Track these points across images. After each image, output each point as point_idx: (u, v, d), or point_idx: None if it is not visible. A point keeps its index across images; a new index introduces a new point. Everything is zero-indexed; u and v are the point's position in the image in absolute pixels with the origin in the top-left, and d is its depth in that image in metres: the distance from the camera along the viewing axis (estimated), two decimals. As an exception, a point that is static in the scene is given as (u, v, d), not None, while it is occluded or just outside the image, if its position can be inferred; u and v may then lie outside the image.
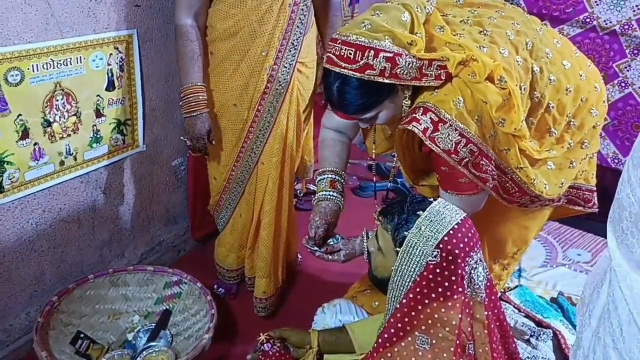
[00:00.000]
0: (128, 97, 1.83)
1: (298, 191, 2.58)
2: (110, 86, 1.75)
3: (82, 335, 1.65)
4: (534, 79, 1.32)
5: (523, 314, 1.79)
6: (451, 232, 1.06)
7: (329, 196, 1.51)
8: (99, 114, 1.75)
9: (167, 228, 2.22)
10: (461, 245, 1.05)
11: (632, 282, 0.70)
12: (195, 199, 2.17)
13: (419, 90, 1.29)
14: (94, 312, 1.78)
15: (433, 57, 1.22)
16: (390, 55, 1.19)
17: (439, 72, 1.24)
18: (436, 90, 1.26)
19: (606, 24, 2.38)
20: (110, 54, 1.72)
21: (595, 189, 1.60)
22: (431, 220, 1.08)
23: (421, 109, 1.25)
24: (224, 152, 1.83)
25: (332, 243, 1.49)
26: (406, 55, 1.20)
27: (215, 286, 2.04)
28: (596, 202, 1.61)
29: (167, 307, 1.83)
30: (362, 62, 1.19)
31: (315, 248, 1.48)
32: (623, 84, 2.43)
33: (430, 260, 1.05)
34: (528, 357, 1.57)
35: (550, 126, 1.38)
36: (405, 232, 1.11)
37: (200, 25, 1.68)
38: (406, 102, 1.29)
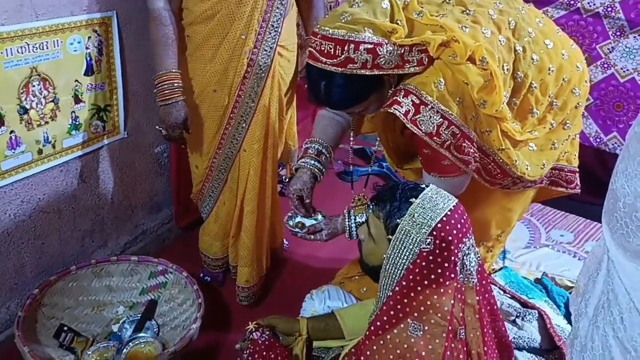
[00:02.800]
0: (108, 82, 1.78)
1: (283, 177, 2.56)
2: (89, 71, 1.70)
3: (65, 328, 1.63)
4: (516, 58, 1.32)
5: (508, 295, 1.81)
6: (444, 218, 1.05)
7: (308, 165, 1.51)
8: (77, 99, 1.70)
9: (151, 216, 2.18)
10: (454, 232, 1.05)
11: (631, 271, 0.70)
12: (178, 187, 2.14)
13: (402, 77, 1.28)
14: (77, 304, 1.75)
15: (413, 42, 1.21)
16: (371, 46, 1.18)
17: (421, 56, 1.23)
18: (418, 75, 1.25)
19: (590, 6, 2.39)
20: (89, 37, 1.66)
21: (577, 170, 1.61)
22: (424, 207, 1.07)
23: (402, 91, 1.24)
24: (205, 140, 1.79)
25: (314, 223, 1.49)
26: (387, 44, 1.19)
27: (201, 275, 2.02)
28: (579, 183, 1.62)
29: (153, 297, 1.80)
30: (343, 56, 1.18)
31: (297, 230, 1.48)
32: (605, 65, 2.46)
33: (423, 248, 1.05)
34: (514, 338, 1.59)
35: (532, 107, 1.38)
36: (397, 220, 1.10)
37: (174, 9, 1.62)
38: (390, 92, 1.28)
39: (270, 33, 1.65)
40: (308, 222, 1.50)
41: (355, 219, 1.44)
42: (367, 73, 1.19)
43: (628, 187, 0.68)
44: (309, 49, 1.24)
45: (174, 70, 1.61)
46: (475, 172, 1.32)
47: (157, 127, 1.70)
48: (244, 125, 1.74)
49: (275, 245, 2.11)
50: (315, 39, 1.22)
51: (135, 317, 1.73)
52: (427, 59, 1.23)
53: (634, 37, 2.34)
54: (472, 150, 1.28)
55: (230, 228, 1.90)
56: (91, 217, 1.90)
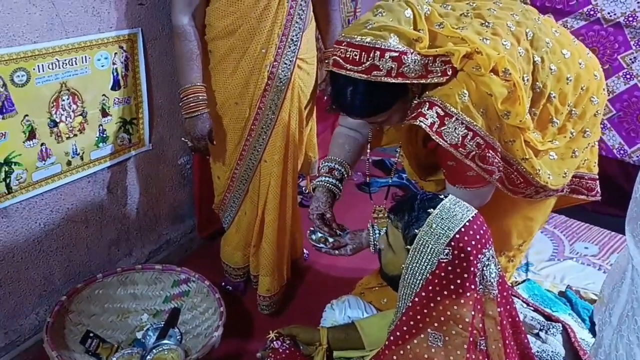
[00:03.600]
0: (133, 97, 1.83)
1: (303, 188, 2.57)
2: (116, 85, 1.75)
3: (91, 335, 1.66)
4: (535, 69, 1.32)
5: (532, 308, 1.78)
6: (463, 229, 1.05)
7: (323, 182, 1.52)
8: (105, 113, 1.75)
9: (174, 226, 2.22)
10: (473, 243, 1.05)
11: None
12: (201, 197, 2.18)
13: (425, 88, 1.29)
14: (103, 311, 1.78)
15: (438, 53, 1.22)
16: (396, 54, 1.18)
17: (444, 67, 1.24)
18: (442, 86, 1.25)
19: (610, 16, 2.37)
20: (115, 53, 1.71)
21: (597, 177, 1.60)
22: (442, 218, 1.07)
23: (427, 103, 1.24)
24: (226, 151, 1.83)
25: (338, 238, 1.48)
26: (411, 53, 1.20)
27: (223, 284, 2.05)
28: (599, 190, 1.60)
29: (176, 305, 1.83)
30: (368, 63, 1.19)
31: (321, 245, 1.48)
32: (628, 76, 2.42)
33: (442, 259, 1.05)
34: (537, 351, 1.57)
35: (552, 116, 1.37)
36: (416, 230, 1.10)
37: (198, 24, 1.66)
38: (415, 102, 1.29)
39: (290, 47, 1.69)
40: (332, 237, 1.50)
41: (379, 233, 1.44)
42: (391, 81, 1.20)
43: None
44: (333, 57, 1.25)
45: (198, 84, 1.65)
46: (498, 182, 1.32)
47: (182, 139, 1.74)
48: (264, 136, 1.77)
49: (296, 255, 2.13)
50: (340, 47, 1.23)
51: (158, 324, 1.75)
52: (450, 70, 1.24)
53: (657, 46, 2.31)
54: (496, 161, 1.28)
55: (251, 238, 1.92)
56: (117, 227, 1.95)
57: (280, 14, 1.64)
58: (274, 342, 1.38)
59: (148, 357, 1.61)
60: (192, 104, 1.65)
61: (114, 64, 1.72)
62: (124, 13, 1.70)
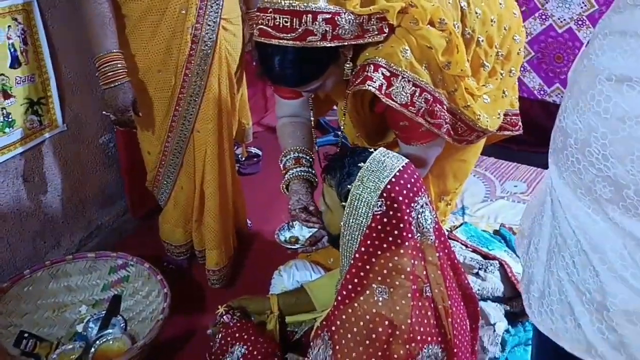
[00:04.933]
0: (38, 74, 1.67)
1: (239, 156, 2.51)
2: (15, 63, 1.58)
3: (26, 335, 1.55)
4: (463, 15, 1.32)
5: (470, 249, 1.87)
6: (393, 179, 1.06)
7: (296, 174, 1.42)
8: (6, 94, 1.58)
9: (104, 210, 2.09)
10: (404, 192, 1.06)
11: (578, 211, 0.71)
12: (130, 176, 2.06)
13: (359, 49, 1.25)
14: (36, 308, 1.67)
15: (372, 11, 1.17)
16: (329, 16, 1.12)
17: (380, 24, 1.20)
18: (380, 45, 1.22)
19: (524, -43, 2.42)
20: (9, 26, 1.54)
21: (519, 112, 1.64)
22: (372, 170, 1.08)
23: (371, 65, 1.20)
24: (155, 123, 1.72)
25: (313, 232, 1.38)
26: (345, 13, 1.14)
27: (165, 264, 1.97)
28: (521, 124, 1.65)
29: (116, 293, 1.75)
30: (302, 29, 1.12)
31: (297, 246, 1.39)
32: (543, 17, 2.51)
33: (376, 211, 1.05)
34: (478, 290, 1.65)
35: (482, 60, 1.39)
36: (348, 186, 1.10)
37: None
38: (348, 65, 1.24)
39: (212, 6, 1.58)
40: (304, 232, 1.40)
41: None
42: (327, 45, 1.14)
43: (580, 123, 0.68)
44: (259, 26, 1.16)
45: (115, 51, 1.51)
46: (446, 134, 1.32)
47: (104, 112, 1.61)
48: (194, 105, 1.67)
49: (240, 225, 2.08)
50: (266, 14, 1.14)
51: (99, 315, 1.67)
52: (387, 27, 1.20)
53: (568, -15, 2.39)
54: (443, 114, 1.28)
55: (191, 213, 1.85)
56: (39, 218, 1.81)
57: None
58: (224, 317, 1.36)
59: (92, 349, 1.54)
60: (110, 74, 1.51)
61: (8, 38, 1.54)
62: (13, -21, 1.52)
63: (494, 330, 1.55)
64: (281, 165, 1.47)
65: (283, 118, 1.54)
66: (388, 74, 1.19)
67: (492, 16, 1.38)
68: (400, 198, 1.05)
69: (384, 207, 1.05)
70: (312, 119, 1.51)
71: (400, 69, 1.20)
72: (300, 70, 1.20)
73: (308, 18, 1.11)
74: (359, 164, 1.10)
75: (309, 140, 1.50)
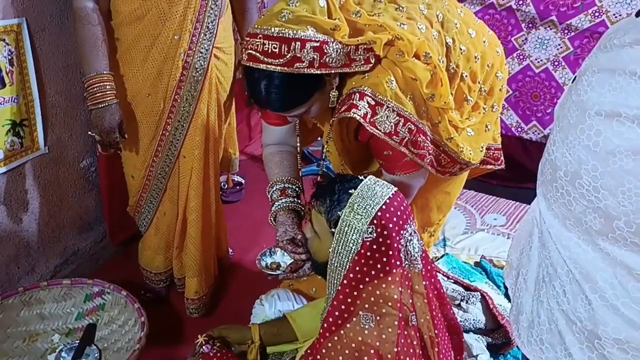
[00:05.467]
0: (22, 95, 1.65)
1: (222, 184, 2.50)
2: (0, 83, 1.56)
3: (-6, 365, 1.48)
4: (448, 50, 1.36)
5: (452, 281, 1.87)
6: (384, 207, 1.07)
7: (282, 205, 1.42)
8: (-12, 115, 1.56)
9: (82, 236, 2.04)
10: (395, 219, 1.07)
11: (568, 242, 0.73)
12: (110, 201, 2.02)
13: (345, 77, 1.28)
14: (6, 337, 1.60)
15: (359, 42, 1.21)
16: (317, 44, 1.15)
17: (367, 55, 1.23)
18: (366, 74, 1.25)
19: (503, 0, 2.54)
20: (-4, 47, 1.52)
21: (501, 146, 1.68)
22: (363, 197, 1.08)
23: (357, 94, 1.23)
24: (140, 147, 1.71)
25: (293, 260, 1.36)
26: (332, 42, 1.17)
27: (143, 292, 1.92)
28: (503, 159, 1.69)
29: (91, 321, 1.69)
30: (290, 55, 1.14)
31: (278, 272, 1.36)
32: (521, 57, 2.61)
33: (366, 238, 1.06)
34: (461, 321, 1.65)
35: (466, 95, 1.43)
36: (338, 212, 1.10)
37: (102, 8, 1.53)
38: (334, 92, 1.27)
39: (205, 35, 1.60)
40: (286, 259, 1.37)
41: None
42: (314, 72, 1.17)
43: (570, 156, 0.70)
44: (248, 51, 1.18)
45: (105, 72, 1.52)
46: (429, 165, 1.34)
47: (90, 132, 1.60)
48: (181, 130, 1.67)
49: (221, 254, 2.05)
50: (255, 39, 1.16)
51: (73, 344, 1.61)
52: (373, 58, 1.24)
53: (544, 28, 2.51)
54: (427, 144, 1.30)
55: (172, 239, 1.83)
56: (14, 242, 1.75)
57: None
58: (204, 347, 1.32)
59: (64, 380, 1.47)
60: (98, 94, 1.51)
61: (-5, 59, 1.53)
62: (4, 1, 1.51)
63: (477, 363, 1.54)
64: (268, 196, 1.47)
65: (270, 146, 1.55)
66: (373, 102, 1.22)
67: (476, 53, 1.43)
68: (391, 225, 1.06)
69: (374, 234, 1.05)
70: (298, 147, 1.52)
71: (385, 99, 1.22)
72: (286, 96, 1.22)
73: (297, 45, 1.13)
74: (350, 191, 1.11)
75: (295, 169, 1.51)
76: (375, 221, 1.06)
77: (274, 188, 1.46)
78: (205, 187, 1.76)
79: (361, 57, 1.22)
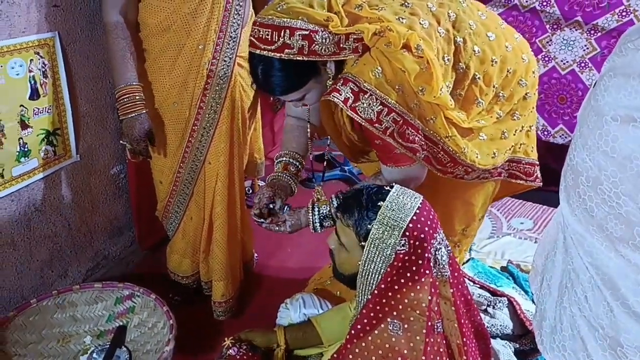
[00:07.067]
0: (55, 105, 1.71)
1: (248, 188, 2.53)
2: (35, 94, 1.62)
3: (30, 366, 1.53)
4: (457, 50, 1.36)
5: (478, 286, 1.86)
6: (414, 217, 1.07)
7: (278, 177, 1.54)
8: (24, 125, 1.61)
9: (112, 240, 2.10)
10: (426, 229, 1.07)
11: (591, 248, 0.72)
12: (139, 207, 2.07)
13: (341, 67, 1.32)
14: (41, 338, 1.65)
15: (349, 31, 1.25)
16: (306, 32, 1.21)
17: (356, 44, 1.27)
18: (356, 62, 1.29)
19: (527, 1, 2.50)
20: (31, 59, 1.58)
21: (537, 162, 1.64)
22: (393, 209, 1.08)
23: (341, 79, 1.28)
24: (168, 154, 1.75)
25: (278, 212, 1.49)
26: (322, 31, 1.22)
27: (171, 295, 1.96)
28: (539, 175, 1.65)
29: (121, 324, 1.73)
30: (280, 42, 1.21)
31: (262, 220, 1.48)
32: (546, 59, 2.57)
33: (399, 250, 1.05)
34: (487, 326, 1.63)
35: (477, 97, 1.41)
36: (368, 226, 1.09)
37: (131, 21, 1.59)
38: (329, 82, 1.31)
39: (228, 44, 1.64)
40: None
41: (319, 212, 1.45)
42: (303, 59, 1.23)
43: (590, 161, 0.69)
44: (250, 37, 1.27)
45: (134, 83, 1.58)
46: (425, 161, 1.35)
47: (121, 141, 1.66)
48: (207, 137, 1.71)
49: (246, 258, 2.08)
50: (255, 27, 1.26)
51: (104, 346, 1.65)
52: (361, 47, 1.28)
53: (569, 29, 2.46)
54: (417, 138, 1.31)
55: (199, 243, 1.86)
56: (48, 247, 1.81)
57: (217, 9, 1.60)
58: (230, 349, 1.35)
59: (96, 381, 1.51)
60: (128, 105, 1.57)
61: (30, 71, 1.59)
62: (37, 16, 1.57)
63: (504, 369, 1.53)
64: (275, 162, 1.61)
65: (290, 118, 1.65)
66: (356, 89, 1.26)
67: (493, 57, 1.41)
68: (422, 236, 1.06)
69: (407, 246, 1.05)
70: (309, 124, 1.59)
71: (368, 86, 1.25)
72: (280, 80, 1.28)
73: (286, 33, 1.21)
74: (378, 203, 1.10)
75: (306, 147, 1.61)
76: (407, 233, 1.06)
77: (280, 160, 1.59)
78: (231, 192, 1.78)
79: (350, 45, 1.27)
